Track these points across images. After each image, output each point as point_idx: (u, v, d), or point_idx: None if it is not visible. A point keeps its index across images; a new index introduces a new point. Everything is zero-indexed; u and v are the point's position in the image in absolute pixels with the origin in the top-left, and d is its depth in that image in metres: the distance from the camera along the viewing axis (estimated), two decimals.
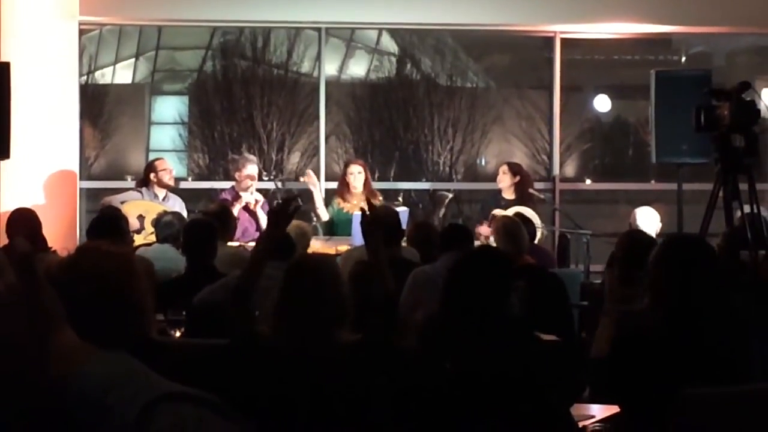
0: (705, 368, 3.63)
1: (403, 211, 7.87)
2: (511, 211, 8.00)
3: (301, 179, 9.16)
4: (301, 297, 3.47)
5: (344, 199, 8.87)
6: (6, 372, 1.29)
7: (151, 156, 16.60)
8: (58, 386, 1.28)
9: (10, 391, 1.30)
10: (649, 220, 8.02)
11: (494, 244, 7.03)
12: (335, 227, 8.79)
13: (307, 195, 8.94)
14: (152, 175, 8.71)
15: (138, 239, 7.91)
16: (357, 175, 8.83)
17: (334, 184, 9.37)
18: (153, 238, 7.38)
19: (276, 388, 3.34)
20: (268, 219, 4.24)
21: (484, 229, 8.55)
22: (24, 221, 6.72)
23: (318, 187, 9.03)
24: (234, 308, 3.82)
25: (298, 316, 3.45)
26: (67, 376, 1.29)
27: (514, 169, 9.22)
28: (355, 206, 8.56)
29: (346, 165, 9.17)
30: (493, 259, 3.87)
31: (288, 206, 4.09)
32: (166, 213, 7.41)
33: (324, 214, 8.89)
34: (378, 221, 4.03)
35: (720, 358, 3.68)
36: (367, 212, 4.07)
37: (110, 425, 1.25)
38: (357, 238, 7.73)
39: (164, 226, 7.06)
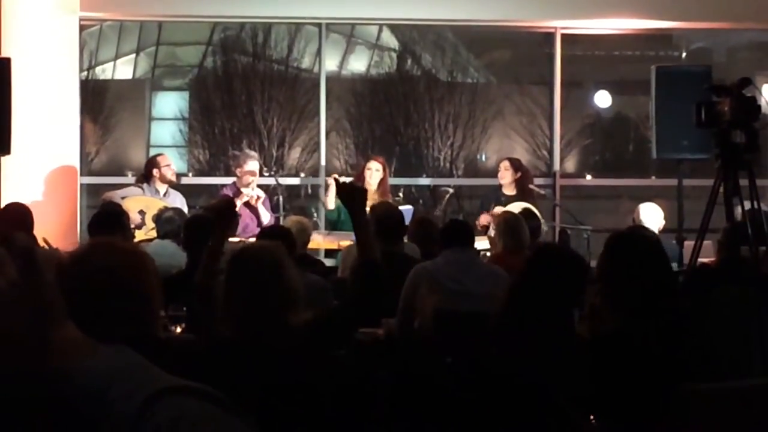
0: (667, 365, 3.61)
1: (407, 209, 7.88)
2: (517, 207, 8.00)
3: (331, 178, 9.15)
4: (244, 286, 3.47)
5: None
6: (8, 366, 1.30)
7: (152, 152, 16.60)
8: (60, 380, 1.28)
9: (12, 385, 1.30)
10: (652, 216, 8.02)
11: (493, 234, 7.04)
12: (341, 221, 8.78)
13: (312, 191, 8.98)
14: (155, 171, 8.71)
15: (139, 235, 7.92)
16: (374, 172, 8.82)
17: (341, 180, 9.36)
18: (154, 233, 7.38)
19: (235, 380, 3.33)
20: (213, 223, 4.30)
21: (483, 218, 8.58)
22: (16, 216, 6.68)
23: (332, 185, 9.00)
24: (200, 306, 3.86)
25: (245, 307, 3.45)
26: (68, 371, 1.29)
27: (516, 164, 9.24)
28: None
29: (367, 159, 9.19)
30: (571, 260, 3.81)
31: (228, 208, 4.19)
32: (166, 209, 7.41)
33: (330, 203, 8.87)
34: (357, 190, 4.01)
35: (681, 353, 3.65)
36: (341, 183, 4.05)
37: (112, 419, 1.25)
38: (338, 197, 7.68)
39: (165, 222, 7.06)
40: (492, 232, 7.94)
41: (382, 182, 8.81)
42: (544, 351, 3.51)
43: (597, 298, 3.83)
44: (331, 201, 8.86)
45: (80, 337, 1.35)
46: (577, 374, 3.52)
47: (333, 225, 8.89)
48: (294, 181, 12.65)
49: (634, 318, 3.63)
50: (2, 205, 8.29)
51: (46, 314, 1.33)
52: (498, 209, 8.41)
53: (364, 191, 4.11)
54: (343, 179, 8.75)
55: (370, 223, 3.93)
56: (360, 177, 8.92)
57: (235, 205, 4.35)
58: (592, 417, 3.99)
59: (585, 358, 3.59)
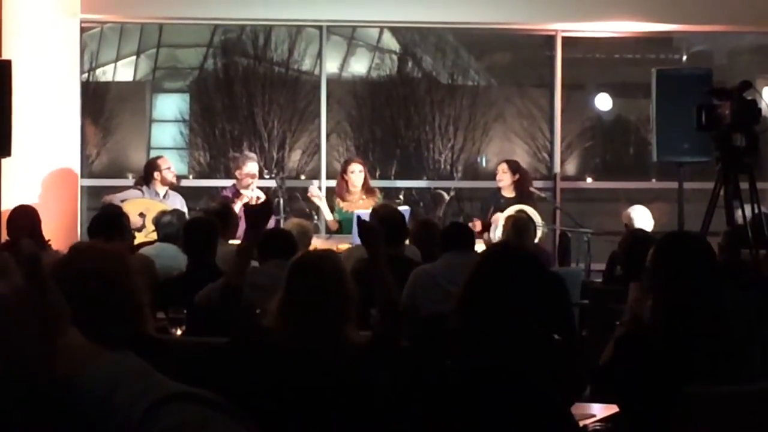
0: (704, 368, 3.62)
1: (404, 210, 7.90)
2: (514, 210, 7.99)
3: (310, 191, 9.18)
4: (305, 294, 3.47)
5: (344, 199, 8.91)
6: (12, 373, 1.30)
7: (152, 154, 16.60)
8: (64, 387, 1.28)
9: (17, 392, 1.30)
10: (646, 219, 8.02)
11: (497, 239, 7.05)
12: (341, 227, 8.82)
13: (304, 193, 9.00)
14: (156, 174, 8.72)
15: (139, 237, 7.92)
16: (358, 173, 8.89)
17: (333, 182, 9.39)
18: (154, 236, 7.38)
19: (281, 386, 3.34)
20: (247, 220, 4.37)
21: (477, 224, 8.60)
22: (25, 218, 6.72)
23: (323, 199, 9.05)
24: (225, 307, 3.85)
25: (303, 314, 3.45)
26: (72, 377, 1.29)
27: (513, 167, 9.21)
28: (354, 204, 8.68)
29: (347, 163, 9.18)
30: (522, 257, 3.84)
31: (267, 208, 4.23)
32: (165, 212, 7.40)
33: (328, 214, 8.92)
34: (377, 231, 4.04)
35: (719, 358, 3.68)
36: (364, 222, 4.10)
37: (115, 426, 1.25)
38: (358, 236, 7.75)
39: (164, 225, 7.06)
40: (486, 237, 7.96)
41: (364, 182, 8.90)
42: (501, 349, 3.52)
43: (640, 298, 3.86)
44: (328, 214, 8.90)
45: (84, 342, 1.35)
46: (540, 371, 3.52)
47: (339, 231, 8.91)
48: (294, 183, 12.64)
49: (678, 319, 3.66)
50: (2, 207, 8.31)
51: (51, 320, 1.33)
52: (497, 215, 8.41)
53: (380, 231, 4.16)
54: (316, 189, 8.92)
55: (385, 264, 3.95)
56: (341, 181, 8.97)
57: (270, 206, 4.42)
58: (592, 420, 3.99)
59: (552, 356, 3.59)
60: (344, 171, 9.01)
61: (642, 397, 3.62)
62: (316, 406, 3.31)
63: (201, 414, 1.24)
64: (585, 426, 3.93)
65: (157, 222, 7.20)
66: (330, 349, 3.39)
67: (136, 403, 1.25)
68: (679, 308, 3.69)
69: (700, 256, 3.81)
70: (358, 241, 7.54)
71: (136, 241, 7.55)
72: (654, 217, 8.27)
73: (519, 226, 6.47)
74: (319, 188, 9.35)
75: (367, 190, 8.90)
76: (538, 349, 3.56)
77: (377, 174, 15.28)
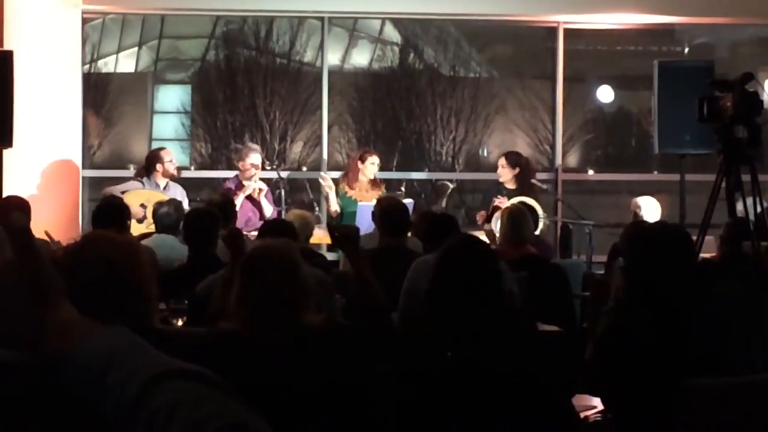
0: (686, 361, 3.61)
1: (408, 203, 7.91)
2: (516, 201, 7.99)
3: (322, 177, 9.16)
4: (258, 288, 3.47)
5: (351, 186, 8.91)
6: (6, 347, 1.30)
7: (154, 145, 16.61)
8: (58, 362, 1.28)
9: (11, 367, 1.30)
10: (653, 210, 8.01)
11: (496, 232, 7.04)
12: (343, 216, 8.81)
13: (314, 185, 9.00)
14: (158, 165, 8.71)
15: (140, 228, 7.92)
16: (375, 166, 8.94)
17: (335, 174, 9.38)
18: (154, 227, 7.37)
19: (246, 379, 3.33)
20: (230, 248, 4.51)
21: (480, 215, 8.60)
22: (15, 208, 6.69)
23: (333, 188, 9.02)
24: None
25: (259, 307, 3.45)
26: (66, 352, 1.29)
27: (513, 160, 9.14)
28: (360, 194, 8.71)
29: (367, 153, 9.17)
30: (476, 248, 3.86)
31: (239, 238, 4.36)
32: (162, 204, 7.38)
33: (333, 204, 8.92)
34: (352, 239, 4.06)
35: (700, 350, 3.65)
36: (336, 235, 4.16)
37: (110, 402, 1.25)
38: (361, 227, 7.75)
39: (162, 216, 7.05)
40: (489, 226, 7.97)
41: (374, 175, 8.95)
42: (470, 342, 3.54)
43: (618, 292, 3.84)
44: (333, 203, 8.90)
45: (78, 317, 1.35)
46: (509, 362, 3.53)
47: (338, 220, 8.91)
48: (296, 175, 12.64)
49: (649, 311, 3.64)
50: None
51: (43, 294, 1.33)
52: (502, 200, 8.42)
53: (357, 232, 4.18)
54: (329, 177, 8.93)
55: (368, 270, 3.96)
56: (354, 168, 8.97)
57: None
58: (593, 411, 3.99)
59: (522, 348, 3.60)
60: (362, 160, 8.99)
61: (628, 393, 3.61)
62: (284, 395, 3.31)
63: (196, 391, 1.24)
64: (586, 417, 3.93)
65: (155, 214, 7.19)
66: (289, 338, 3.39)
67: (131, 379, 1.25)
68: (657, 302, 3.66)
69: (673, 246, 3.76)
70: (361, 231, 7.55)
71: (137, 233, 7.55)
72: None
73: (514, 218, 6.45)
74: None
75: (373, 182, 8.93)
76: (526, 340, 3.57)
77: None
